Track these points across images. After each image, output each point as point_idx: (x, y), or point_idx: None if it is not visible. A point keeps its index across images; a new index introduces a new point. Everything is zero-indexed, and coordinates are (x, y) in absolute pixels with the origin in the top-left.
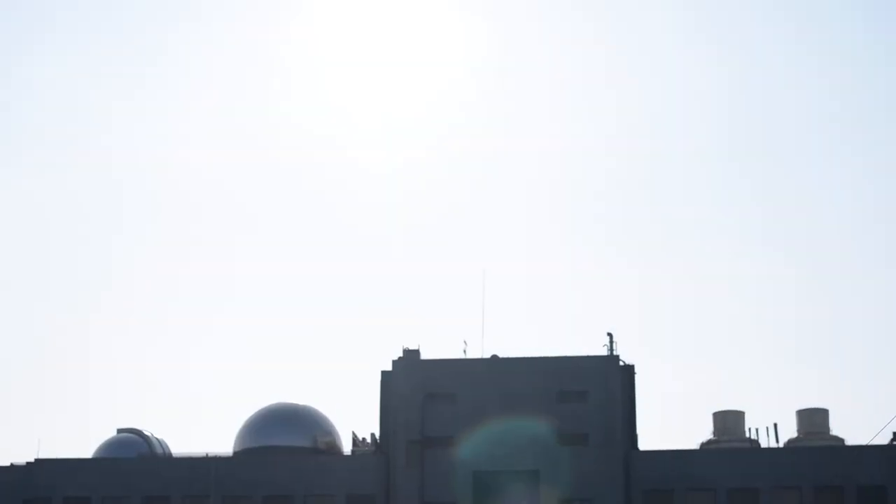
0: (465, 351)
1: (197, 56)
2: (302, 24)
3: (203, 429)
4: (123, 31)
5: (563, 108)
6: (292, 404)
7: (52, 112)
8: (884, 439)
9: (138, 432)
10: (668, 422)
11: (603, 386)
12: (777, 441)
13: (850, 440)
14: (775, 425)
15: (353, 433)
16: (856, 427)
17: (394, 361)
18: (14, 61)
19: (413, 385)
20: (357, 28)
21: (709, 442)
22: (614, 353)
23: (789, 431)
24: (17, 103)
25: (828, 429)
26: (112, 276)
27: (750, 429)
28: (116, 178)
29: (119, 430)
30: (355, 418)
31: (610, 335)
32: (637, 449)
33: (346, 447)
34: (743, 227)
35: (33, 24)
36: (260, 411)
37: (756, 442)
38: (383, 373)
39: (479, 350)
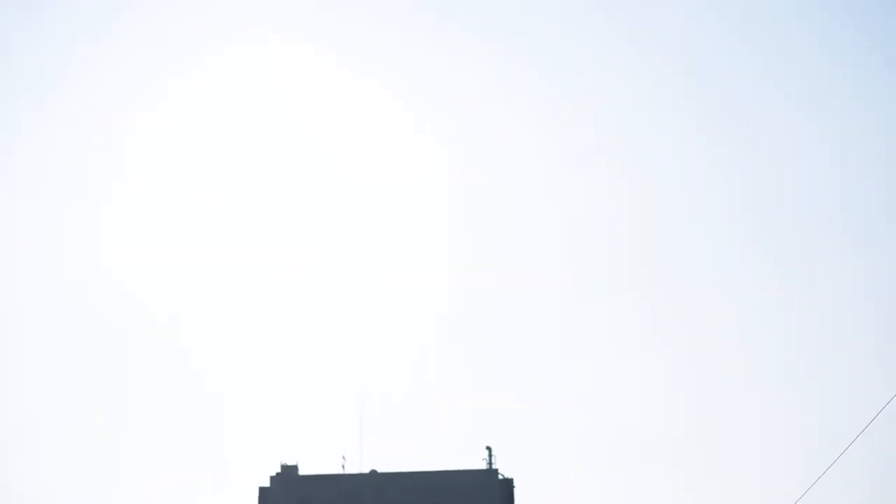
0: (343, 466)
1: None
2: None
3: None
4: None
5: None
6: None
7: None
8: None
9: None
10: None
11: (482, 500)
12: None
13: None
14: None
15: None
16: None
17: (272, 477)
18: None
19: (292, 501)
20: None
21: None
22: (493, 466)
23: None
24: None
25: None
26: None
27: None
28: None
29: None
30: None
31: (489, 448)
32: None
33: None
34: (636, 334)
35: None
36: None
37: None
38: (261, 489)
39: (357, 465)
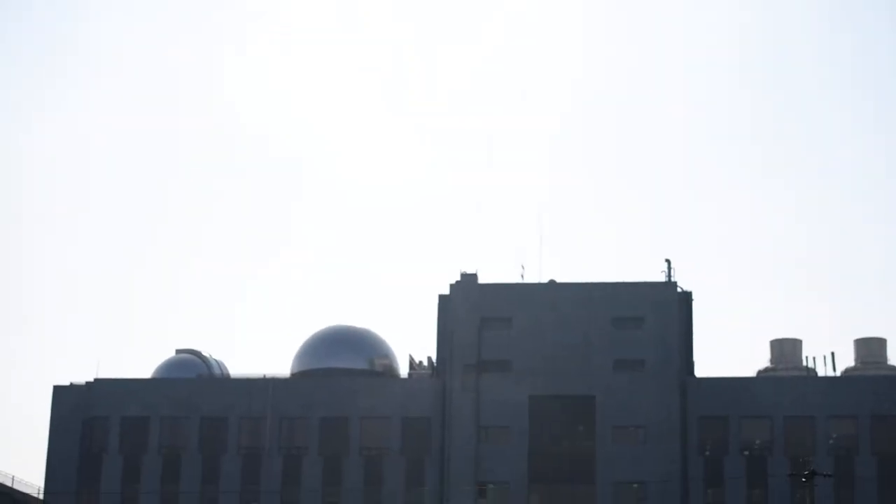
0: (522, 276)
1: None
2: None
3: (261, 350)
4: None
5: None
6: (350, 327)
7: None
8: None
9: (197, 353)
10: (726, 349)
11: (660, 312)
12: (834, 370)
13: None
14: (832, 354)
15: (410, 356)
16: None
17: (451, 285)
18: None
19: (470, 309)
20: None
21: (765, 370)
22: (672, 279)
23: (846, 360)
24: None
25: (885, 358)
26: (169, 202)
27: (807, 357)
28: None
29: (178, 351)
30: (412, 341)
31: (668, 262)
32: (693, 376)
33: (403, 370)
34: (799, 162)
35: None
36: (317, 334)
37: (813, 370)
38: (441, 297)
39: (536, 275)
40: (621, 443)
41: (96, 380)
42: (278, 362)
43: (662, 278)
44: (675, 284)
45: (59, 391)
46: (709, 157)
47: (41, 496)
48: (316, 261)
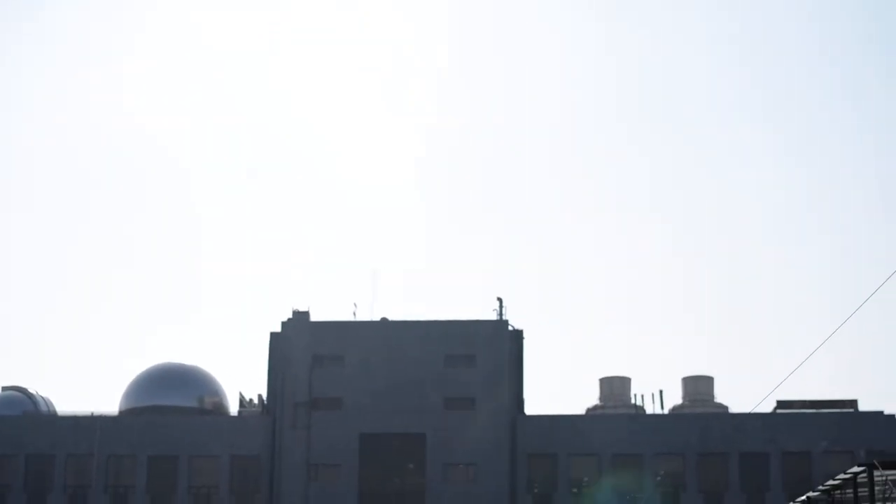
0: (354, 313)
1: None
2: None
3: (89, 388)
4: None
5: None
6: (180, 364)
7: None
8: (767, 407)
9: (23, 390)
10: (556, 387)
11: (491, 350)
12: (662, 407)
13: (734, 408)
14: (661, 392)
15: (241, 394)
16: (740, 395)
17: (283, 323)
18: None
19: (302, 347)
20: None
21: (595, 407)
22: (503, 317)
23: (674, 398)
24: None
25: (712, 396)
26: None
27: (636, 395)
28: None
29: (4, 388)
30: (243, 379)
31: (500, 300)
32: (523, 413)
33: (233, 408)
34: (635, 198)
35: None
36: (147, 371)
37: (641, 408)
38: (272, 334)
39: (368, 313)
40: (451, 480)
41: None
42: (106, 400)
43: (494, 316)
44: (506, 322)
45: None
46: (540, 195)
47: None
48: (146, 297)
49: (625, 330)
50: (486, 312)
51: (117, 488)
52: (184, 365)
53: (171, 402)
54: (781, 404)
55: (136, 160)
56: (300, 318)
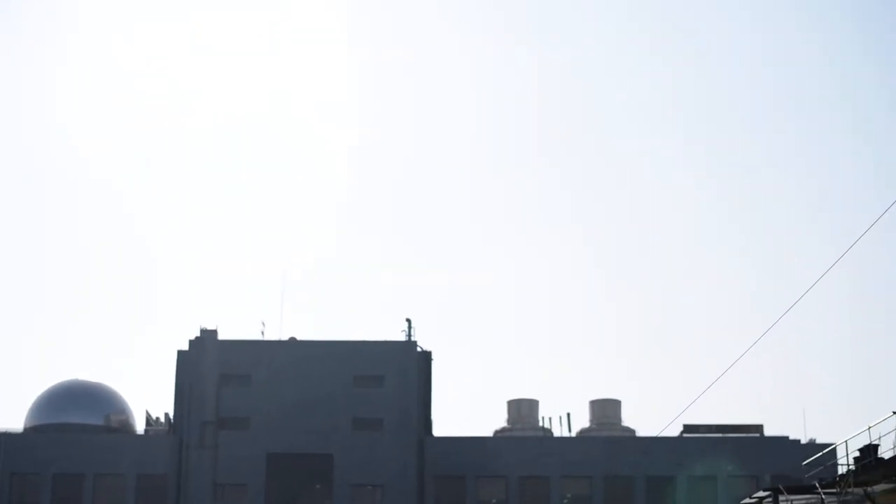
0: (262, 332)
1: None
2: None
3: None
4: None
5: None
6: (86, 382)
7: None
8: (674, 431)
9: None
10: (464, 409)
11: (399, 371)
12: (570, 430)
13: (641, 431)
14: (568, 415)
15: (147, 412)
16: (647, 419)
17: (191, 341)
18: None
19: (209, 365)
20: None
21: (503, 430)
22: (412, 338)
23: (582, 421)
24: None
25: (619, 419)
26: None
27: (543, 417)
28: None
29: None
30: (150, 398)
31: (409, 321)
32: (431, 435)
33: (140, 426)
34: (546, 221)
35: None
36: (53, 388)
37: (549, 430)
38: (180, 352)
39: (277, 332)
40: (359, 501)
41: None
42: (11, 417)
43: (403, 337)
44: (415, 344)
45: None
46: (451, 217)
47: None
48: (51, 313)
49: (533, 352)
50: (394, 333)
51: None
52: (90, 382)
53: (78, 420)
54: (688, 428)
55: (54, 168)
56: (208, 336)
